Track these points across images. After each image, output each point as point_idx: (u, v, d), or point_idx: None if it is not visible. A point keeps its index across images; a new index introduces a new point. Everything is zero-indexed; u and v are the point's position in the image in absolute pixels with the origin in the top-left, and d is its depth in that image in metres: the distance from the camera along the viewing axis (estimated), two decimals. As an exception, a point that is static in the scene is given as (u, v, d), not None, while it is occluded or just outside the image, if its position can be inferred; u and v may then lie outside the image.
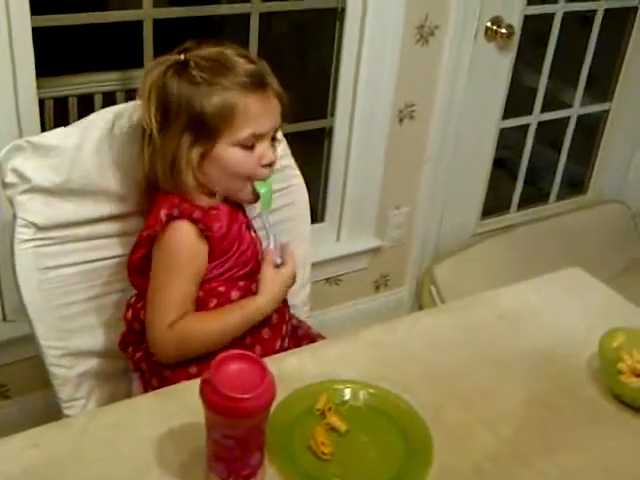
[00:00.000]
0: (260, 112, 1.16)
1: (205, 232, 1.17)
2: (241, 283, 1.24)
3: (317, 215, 2.17)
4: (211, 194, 1.22)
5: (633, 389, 1.12)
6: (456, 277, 2.24)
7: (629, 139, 2.66)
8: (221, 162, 1.18)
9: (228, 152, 1.17)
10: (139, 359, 1.25)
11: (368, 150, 2.10)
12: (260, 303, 1.22)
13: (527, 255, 2.32)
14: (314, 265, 2.07)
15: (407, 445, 1.00)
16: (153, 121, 1.16)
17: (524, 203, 2.59)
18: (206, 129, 1.15)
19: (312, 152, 2.17)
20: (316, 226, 2.14)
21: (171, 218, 1.17)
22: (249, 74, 1.16)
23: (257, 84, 1.16)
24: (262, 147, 1.19)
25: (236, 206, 1.27)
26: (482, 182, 2.41)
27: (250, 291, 1.24)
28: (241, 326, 1.21)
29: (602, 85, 2.59)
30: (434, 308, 1.69)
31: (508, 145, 2.54)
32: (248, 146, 1.17)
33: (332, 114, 2.08)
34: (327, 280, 2.21)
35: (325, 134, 2.12)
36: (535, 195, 2.66)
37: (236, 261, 1.23)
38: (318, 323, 2.03)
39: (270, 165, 1.21)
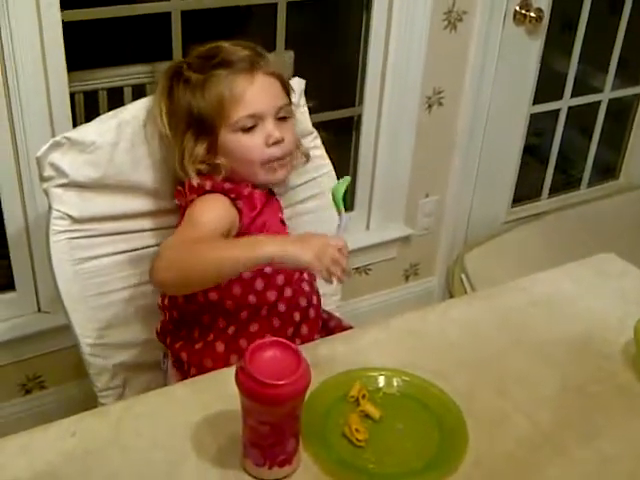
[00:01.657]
0: (251, 93, 1.19)
1: (236, 200, 1.19)
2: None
3: (347, 204, 2.16)
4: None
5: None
6: (487, 265, 2.22)
7: (661, 123, 2.62)
8: (228, 150, 1.21)
9: (231, 139, 1.20)
10: (179, 349, 1.26)
11: (397, 138, 2.09)
12: (262, 238, 1.15)
13: (559, 242, 2.29)
14: (345, 254, 2.08)
15: (441, 432, 1.00)
16: (165, 124, 1.22)
17: (555, 190, 2.57)
18: (204, 124, 1.20)
19: (341, 141, 2.17)
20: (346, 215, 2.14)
21: (204, 191, 1.19)
22: (237, 59, 1.20)
23: (245, 67, 1.19)
24: (266, 127, 1.20)
25: (272, 195, 1.28)
26: (512, 169, 2.39)
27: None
28: (239, 253, 1.08)
29: (633, 69, 2.55)
30: (466, 295, 1.68)
31: (538, 131, 2.52)
32: (249, 128, 1.20)
33: (361, 102, 2.07)
34: (357, 270, 2.21)
35: (354, 122, 2.12)
36: (566, 181, 2.64)
37: None
38: (348, 313, 2.03)
39: (278, 143, 1.21)
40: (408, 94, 2.05)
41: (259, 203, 1.23)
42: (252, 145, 1.20)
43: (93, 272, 1.26)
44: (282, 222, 1.30)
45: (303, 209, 1.46)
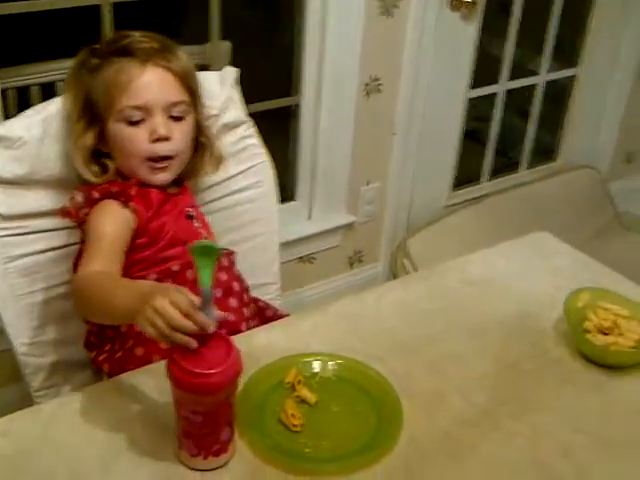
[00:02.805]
0: (140, 84, 1.16)
1: (128, 203, 1.17)
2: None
3: (288, 194, 2.17)
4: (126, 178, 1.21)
5: (598, 346, 1.13)
6: (429, 249, 2.24)
7: (597, 104, 2.67)
8: (113, 140, 1.19)
9: (116, 129, 1.18)
10: (101, 361, 1.23)
11: (336, 126, 2.09)
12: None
13: (499, 224, 2.32)
14: (287, 244, 2.08)
15: (378, 414, 1.01)
16: (69, 111, 1.20)
17: (496, 173, 2.60)
18: (94, 109, 1.18)
19: (281, 131, 2.17)
20: (287, 205, 2.14)
21: (94, 201, 1.17)
22: (139, 49, 1.17)
23: (142, 58, 1.17)
24: (153, 122, 1.17)
25: (172, 190, 1.25)
26: (452, 153, 2.41)
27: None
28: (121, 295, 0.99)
29: (568, 51, 2.59)
30: (402, 278, 1.70)
31: (479, 116, 2.54)
32: (135, 121, 1.17)
33: (299, 91, 2.07)
34: (301, 259, 2.21)
35: (292, 112, 2.11)
36: (506, 164, 2.67)
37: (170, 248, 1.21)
38: (294, 302, 2.04)
39: (162, 140, 1.18)
40: (346, 82, 2.05)
41: (156, 201, 1.20)
42: (135, 138, 1.17)
43: (24, 270, 1.24)
44: (189, 217, 1.26)
45: (242, 198, 1.45)
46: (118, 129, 1.18)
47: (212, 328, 0.87)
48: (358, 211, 2.26)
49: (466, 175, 2.55)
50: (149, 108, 1.17)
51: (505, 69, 2.43)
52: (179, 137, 1.20)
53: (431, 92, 2.21)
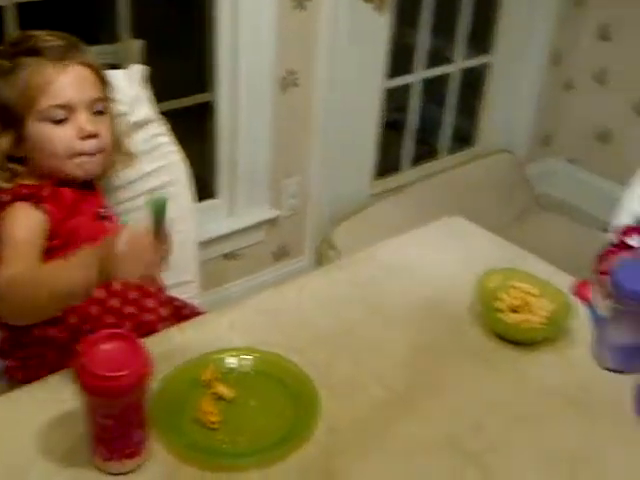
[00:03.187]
0: (61, 83, 1.16)
1: (39, 204, 1.15)
2: None
3: (209, 191, 2.15)
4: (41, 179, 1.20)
5: (510, 324, 1.16)
6: (354, 240, 2.26)
7: (512, 89, 2.73)
8: (35, 141, 1.17)
9: (39, 129, 1.16)
10: (14, 369, 1.21)
11: (254, 121, 2.09)
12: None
13: (422, 210, 2.35)
14: (210, 242, 2.07)
15: (295, 406, 1.01)
16: None
17: (417, 161, 2.64)
18: (10, 113, 1.16)
19: (199, 128, 2.15)
20: (209, 202, 2.13)
21: (4, 204, 1.15)
22: (48, 47, 1.17)
23: (56, 56, 1.16)
24: (78, 120, 1.17)
25: (85, 190, 1.24)
26: (371, 144, 2.43)
27: None
28: (70, 268, 1.02)
29: (482, 38, 2.64)
30: (323, 268, 1.70)
31: (399, 106, 2.57)
32: (59, 120, 1.16)
33: (214, 88, 2.05)
34: (225, 256, 2.20)
35: (208, 108, 2.10)
36: (427, 152, 2.71)
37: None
38: (220, 299, 2.03)
39: (91, 137, 1.17)
40: (261, 76, 2.05)
41: (70, 200, 1.19)
42: (62, 137, 1.17)
43: None
44: (100, 217, 1.25)
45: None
46: (40, 129, 1.16)
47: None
48: (282, 205, 2.26)
49: (388, 165, 2.58)
50: (72, 106, 1.16)
51: (420, 58, 2.46)
52: (104, 132, 1.20)
53: (348, 83, 2.23)
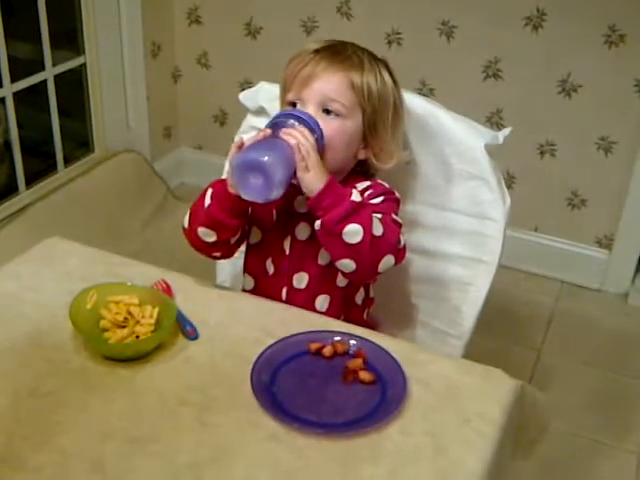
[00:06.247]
0: None
1: None
2: None
3: None
4: None
5: (113, 344, 1.08)
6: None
7: (118, 88, 2.63)
8: None
9: None
10: None
11: None
12: None
13: (48, 231, 2.19)
14: None
15: None
16: None
17: (33, 180, 2.44)
18: None
19: None
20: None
21: None
22: None
23: None
24: None
25: None
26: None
27: None
28: None
29: (72, 40, 2.51)
30: None
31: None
32: None
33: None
34: None
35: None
36: (44, 168, 2.53)
37: None
38: None
39: None
40: None
41: None
42: None
43: None
44: None
45: None
46: None
47: None
48: None
49: (4, 188, 2.36)
50: None
51: (6, 71, 2.26)
52: None
53: None
